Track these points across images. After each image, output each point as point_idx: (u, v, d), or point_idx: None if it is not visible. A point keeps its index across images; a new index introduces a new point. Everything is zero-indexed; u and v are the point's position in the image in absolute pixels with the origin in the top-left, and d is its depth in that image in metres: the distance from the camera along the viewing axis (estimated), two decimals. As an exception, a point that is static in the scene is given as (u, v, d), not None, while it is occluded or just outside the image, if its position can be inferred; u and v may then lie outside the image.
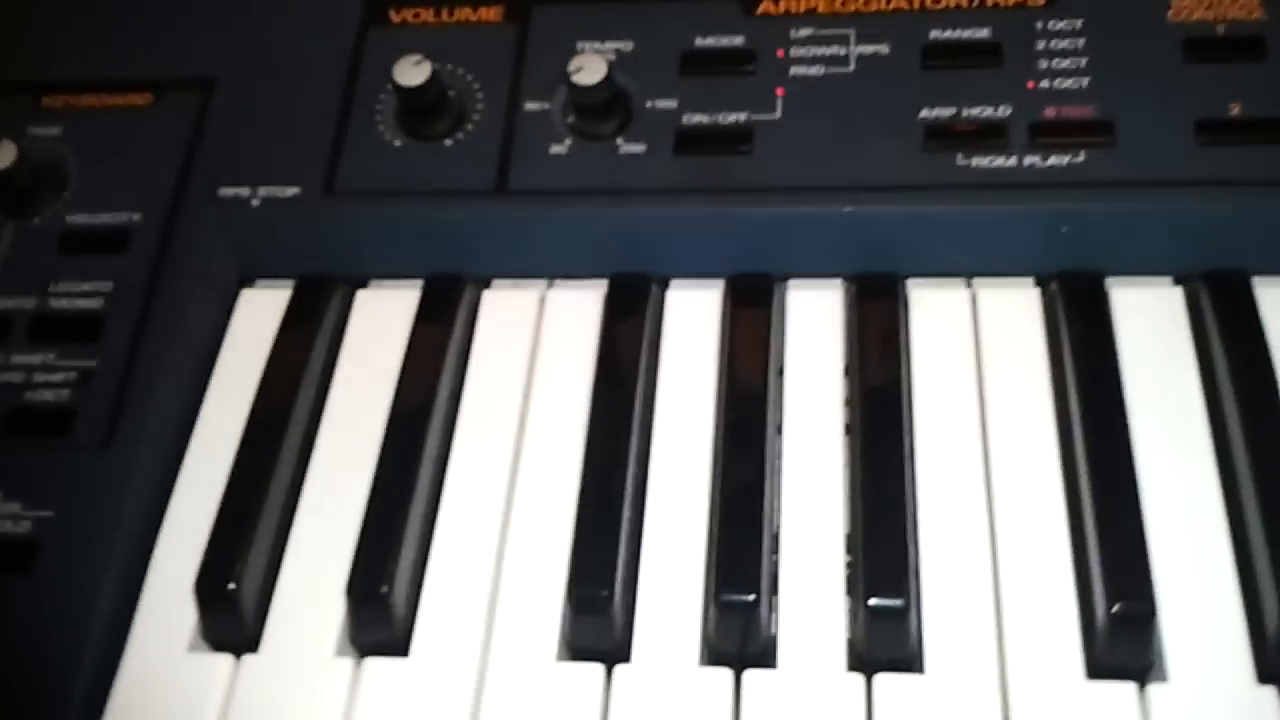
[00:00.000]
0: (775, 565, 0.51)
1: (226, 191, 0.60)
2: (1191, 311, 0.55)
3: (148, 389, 0.56)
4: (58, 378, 0.56)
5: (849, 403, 0.55)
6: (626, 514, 0.51)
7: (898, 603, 0.47)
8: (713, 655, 0.49)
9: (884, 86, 0.59)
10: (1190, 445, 0.52)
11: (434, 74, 0.58)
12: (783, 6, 0.62)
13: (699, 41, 0.61)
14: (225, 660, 0.50)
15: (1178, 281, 0.56)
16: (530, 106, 0.61)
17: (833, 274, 0.58)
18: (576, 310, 0.59)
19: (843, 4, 0.61)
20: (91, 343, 0.57)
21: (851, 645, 0.49)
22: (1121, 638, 0.46)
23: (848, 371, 0.56)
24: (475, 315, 0.59)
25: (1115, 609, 0.46)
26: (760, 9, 0.62)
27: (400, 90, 0.59)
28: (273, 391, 0.56)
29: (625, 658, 0.49)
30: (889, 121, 0.58)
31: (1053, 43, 0.59)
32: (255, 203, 0.59)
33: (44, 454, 0.54)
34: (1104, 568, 0.47)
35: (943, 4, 0.61)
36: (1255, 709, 0.45)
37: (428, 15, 0.63)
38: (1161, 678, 0.47)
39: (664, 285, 0.59)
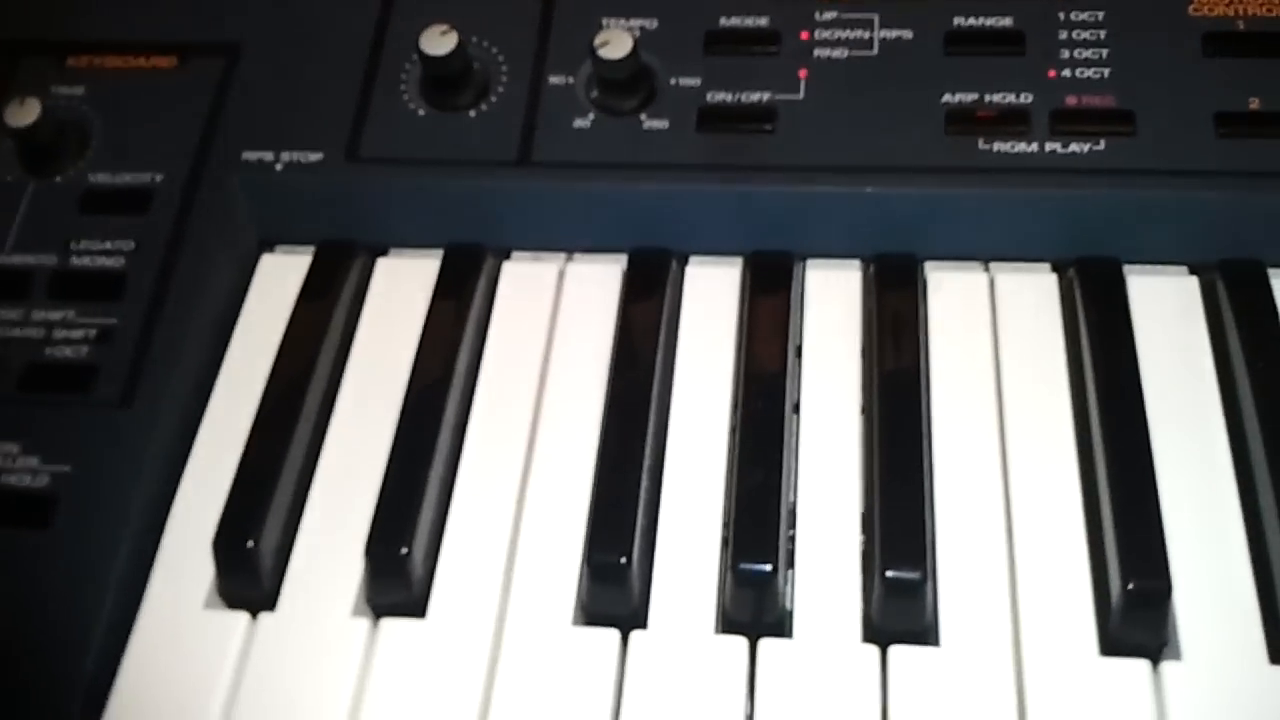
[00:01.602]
0: (791, 539, 0.51)
1: (250, 155, 0.60)
2: (1207, 300, 0.56)
3: (168, 348, 0.56)
4: (78, 334, 0.56)
5: (866, 382, 0.55)
6: (644, 483, 0.52)
7: (914, 575, 0.48)
8: (728, 624, 0.49)
9: (907, 71, 0.59)
10: (1205, 429, 0.52)
11: (460, 44, 0.59)
12: (807, -11, 0.62)
13: (724, 21, 0.62)
14: (241, 618, 0.50)
15: (1193, 271, 0.57)
16: (554, 80, 0.61)
17: (851, 254, 0.59)
18: (596, 283, 0.59)
19: (867, -12, 0.62)
20: (112, 301, 0.57)
21: (867, 618, 0.49)
22: (1137, 615, 0.47)
23: (865, 351, 0.56)
24: (495, 285, 0.59)
25: (1131, 586, 0.47)
26: (786, -9, 0.62)
27: (426, 59, 0.59)
28: (293, 354, 0.56)
29: (641, 624, 0.49)
30: (911, 105, 0.59)
31: (1074, 33, 0.60)
32: (278, 167, 0.59)
33: (63, 409, 0.54)
34: (1120, 546, 0.48)
35: (966, -9, 0.61)
36: (1268, 689, 0.46)
37: (454, -13, 0.64)
38: (1175, 656, 0.47)
39: (683, 261, 0.60)
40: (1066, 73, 0.59)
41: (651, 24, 0.62)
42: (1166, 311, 0.56)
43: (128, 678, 0.49)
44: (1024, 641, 0.48)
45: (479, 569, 0.51)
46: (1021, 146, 0.57)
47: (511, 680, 0.48)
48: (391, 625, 0.50)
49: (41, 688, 0.49)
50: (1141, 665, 0.47)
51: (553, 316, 0.58)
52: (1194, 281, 0.57)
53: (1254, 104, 0.57)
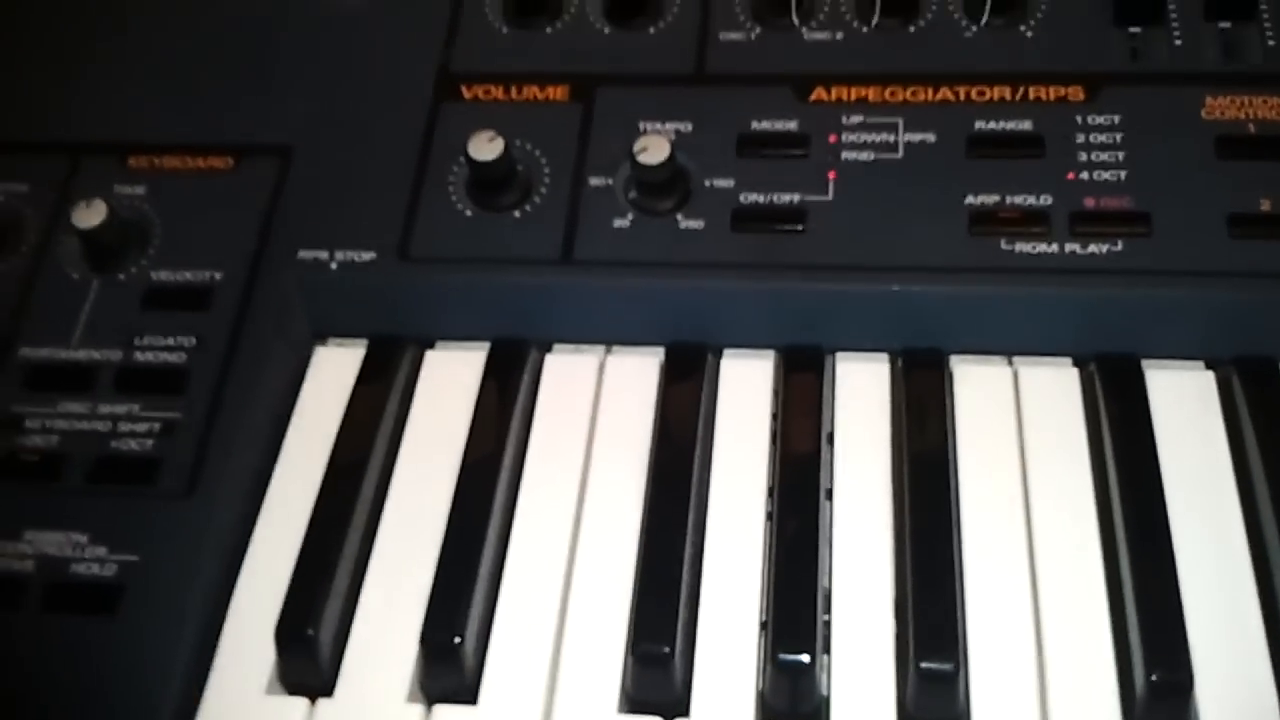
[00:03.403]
0: (826, 624, 0.53)
1: (305, 254, 0.63)
2: (1223, 395, 0.58)
3: (228, 440, 0.58)
4: (142, 428, 0.59)
5: (896, 470, 0.57)
6: (686, 572, 0.54)
7: (948, 667, 0.50)
8: (767, 712, 0.52)
9: (931, 173, 0.62)
10: (1223, 522, 0.54)
11: (506, 149, 0.62)
12: (835, 94, 0.65)
13: (755, 125, 0.64)
14: (301, 704, 0.53)
15: (1209, 366, 0.59)
16: (594, 182, 0.64)
17: (879, 348, 0.61)
18: (635, 375, 0.61)
19: (891, 94, 0.65)
20: (175, 395, 0.60)
21: (901, 706, 0.51)
22: (1160, 705, 0.49)
23: (894, 440, 0.58)
24: (538, 377, 0.62)
25: (1154, 678, 0.49)
26: (813, 96, 0.65)
27: (473, 163, 0.62)
28: (349, 444, 0.58)
29: (684, 712, 0.51)
30: (936, 206, 0.61)
31: (1092, 136, 0.62)
32: (333, 266, 0.62)
33: (129, 500, 0.57)
34: (1144, 638, 0.50)
35: (987, 97, 0.64)
36: (1286, 777, 0.48)
37: (497, 93, 0.67)
38: (1196, 744, 0.49)
39: (718, 354, 0.62)
40: (1085, 175, 0.61)
41: (686, 127, 0.64)
42: (1184, 406, 0.58)
43: (193, 762, 0.51)
44: (1052, 729, 0.50)
45: (527, 656, 0.53)
46: (1042, 247, 0.59)
47: (560, 765, 0.51)
48: (444, 712, 0.52)
49: (111, 772, 0.51)
50: (1165, 753, 0.49)
51: (594, 407, 0.61)
52: (1210, 377, 0.59)
53: (1265, 205, 0.60)
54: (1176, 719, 0.49)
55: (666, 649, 0.51)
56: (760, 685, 0.52)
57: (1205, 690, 0.50)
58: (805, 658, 0.51)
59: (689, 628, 0.53)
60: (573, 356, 0.63)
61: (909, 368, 0.60)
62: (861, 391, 0.60)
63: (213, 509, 0.57)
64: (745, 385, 0.61)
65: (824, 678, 0.52)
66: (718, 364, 0.62)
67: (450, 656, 0.52)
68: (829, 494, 0.57)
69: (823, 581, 0.54)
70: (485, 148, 0.62)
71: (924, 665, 0.50)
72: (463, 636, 0.52)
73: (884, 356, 0.61)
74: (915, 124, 0.64)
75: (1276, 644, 0.51)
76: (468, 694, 0.53)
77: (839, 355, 0.62)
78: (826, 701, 0.51)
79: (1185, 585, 0.52)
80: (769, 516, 0.56)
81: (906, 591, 0.53)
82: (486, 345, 0.63)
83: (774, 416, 0.60)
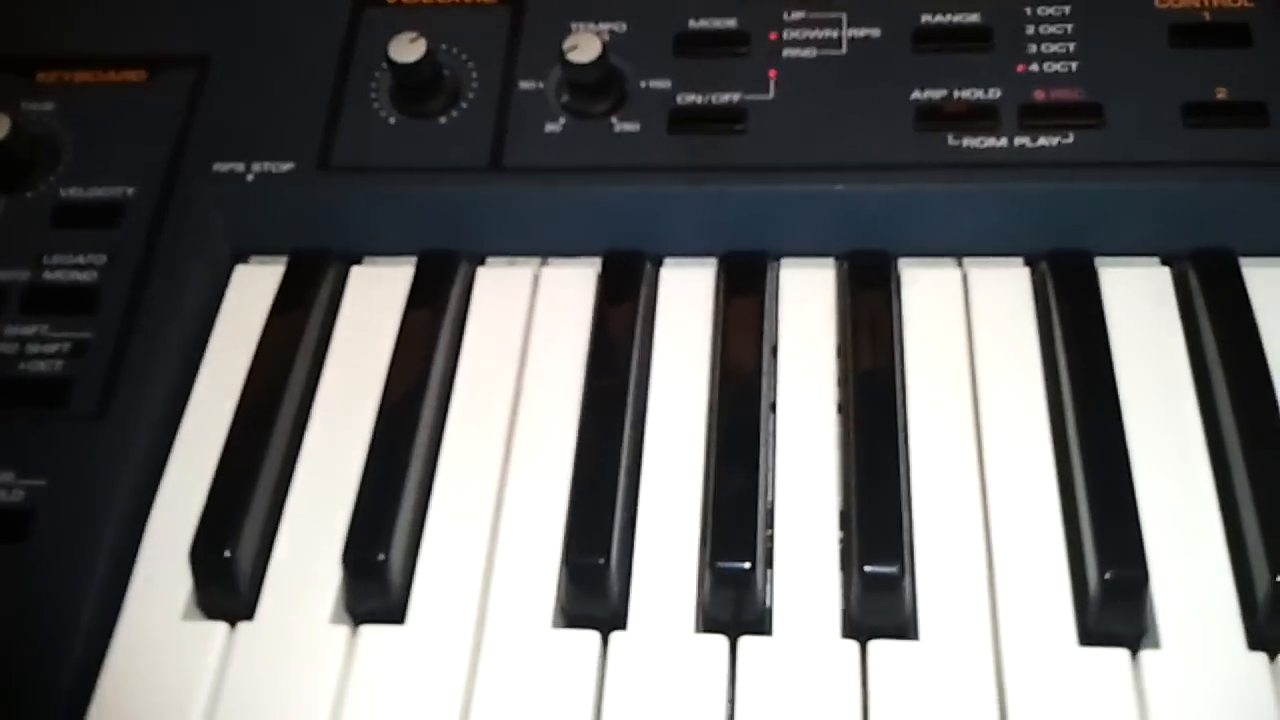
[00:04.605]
0: (769, 539, 0.51)
1: (221, 166, 0.60)
2: (1179, 290, 0.56)
3: (142, 361, 0.56)
4: (51, 348, 0.56)
5: (843, 379, 0.55)
6: (621, 485, 0.52)
7: (892, 570, 0.48)
8: (708, 623, 0.49)
9: (876, 68, 0.60)
10: (1180, 420, 0.52)
11: (429, 51, 0.59)
12: (776, -10, 0.62)
13: (692, 23, 0.62)
14: (220, 628, 0.50)
15: (1165, 262, 0.57)
16: (525, 85, 0.61)
17: (825, 252, 0.59)
18: (570, 287, 0.59)
19: (835, -12, 0.62)
20: (85, 314, 0.57)
21: (846, 614, 0.49)
22: (1114, 605, 0.47)
23: (841, 349, 0.56)
24: (469, 292, 0.59)
25: (1108, 576, 0.47)
26: (754, -8, 0.62)
27: (395, 67, 0.59)
28: (268, 364, 0.56)
29: (621, 625, 0.49)
30: (881, 102, 0.59)
31: (1042, 27, 0.60)
32: (250, 178, 0.59)
33: (38, 424, 0.54)
34: (1096, 537, 0.48)
35: (933, -12, 0.62)
36: (1247, 675, 0.46)
37: (423, -5, 0.64)
38: (1154, 645, 0.47)
39: (657, 263, 0.60)
40: (1034, 67, 0.59)
41: (620, 27, 0.62)
42: (1139, 303, 0.56)
43: (106, 690, 0.49)
44: (1003, 633, 0.48)
45: (458, 574, 0.51)
46: (991, 141, 0.57)
47: (492, 684, 0.48)
48: (371, 632, 0.50)
49: (20, 701, 0.48)
50: (1121, 655, 0.47)
51: (528, 321, 0.58)
52: (1166, 272, 0.57)
53: (1221, 93, 0.57)
54: (1131, 618, 0.47)
55: (601, 560, 0.49)
56: (701, 597, 0.50)
57: (1161, 588, 0.48)
58: (745, 564, 0.48)
59: (626, 541, 0.51)
60: (505, 269, 0.60)
61: (854, 272, 0.58)
62: (806, 299, 0.58)
63: (126, 431, 0.54)
64: (685, 295, 0.58)
65: (766, 588, 0.50)
66: (657, 273, 0.59)
67: (374, 574, 0.50)
68: (773, 407, 0.55)
69: (766, 496, 0.52)
70: (407, 49, 0.59)
71: (868, 569, 0.48)
72: (387, 554, 0.50)
73: (829, 261, 0.59)
74: (859, 19, 0.61)
75: (1234, 541, 0.49)
76: (395, 613, 0.50)
77: (783, 261, 0.59)
78: (769, 612, 0.49)
79: (1141, 484, 0.50)
80: (710, 429, 0.54)
81: (851, 499, 0.51)
82: (414, 259, 0.60)
83: (716, 327, 0.57)
